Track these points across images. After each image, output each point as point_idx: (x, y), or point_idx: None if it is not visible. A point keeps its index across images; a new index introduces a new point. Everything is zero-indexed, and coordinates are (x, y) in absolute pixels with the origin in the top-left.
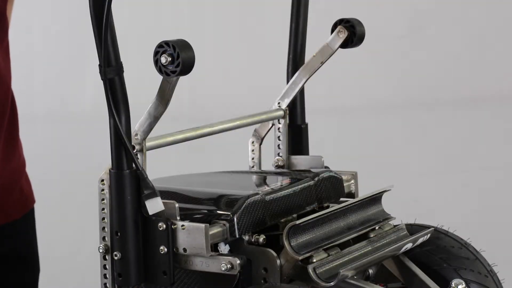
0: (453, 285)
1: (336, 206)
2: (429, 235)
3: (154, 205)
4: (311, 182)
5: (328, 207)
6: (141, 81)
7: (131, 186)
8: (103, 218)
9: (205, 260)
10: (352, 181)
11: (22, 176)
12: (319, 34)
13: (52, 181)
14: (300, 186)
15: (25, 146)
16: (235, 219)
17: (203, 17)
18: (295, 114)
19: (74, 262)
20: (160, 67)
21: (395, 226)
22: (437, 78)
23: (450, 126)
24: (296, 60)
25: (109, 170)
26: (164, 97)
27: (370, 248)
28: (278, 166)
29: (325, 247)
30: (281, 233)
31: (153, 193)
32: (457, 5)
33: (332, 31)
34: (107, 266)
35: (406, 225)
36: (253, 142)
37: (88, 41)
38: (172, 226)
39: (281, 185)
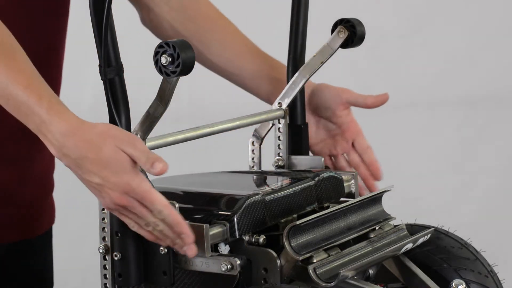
0: (453, 285)
1: (336, 207)
2: (429, 235)
3: None
4: (311, 182)
5: (328, 207)
6: (141, 81)
7: None
8: (103, 218)
9: (205, 261)
10: (352, 181)
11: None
12: (319, 34)
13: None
14: (300, 186)
15: None
16: (235, 219)
17: None
18: (295, 114)
19: (74, 262)
20: (160, 68)
21: (395, 226)
22: (437, 78)
23: (450, 126)
24: (296, 60)
25: None
26: (164, 97)
27: (370, 249)
28: (278, 166)
29: (325, 247)
30: (281, 233)
31: None
32: (457, 5)
33: (332, 31)
34: (107, 266)
35: (406, 225)
36: (253, 142)
37: (88, 41)
38: None
39: (281, 185)
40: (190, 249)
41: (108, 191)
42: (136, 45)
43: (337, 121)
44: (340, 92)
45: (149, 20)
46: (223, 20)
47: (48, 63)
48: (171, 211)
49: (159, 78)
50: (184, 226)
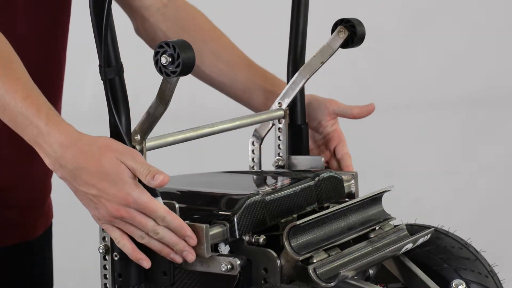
0: (453, 285)
1: (337, 207)
2: (429, 235)
3: None
4: (311, 182)
5: (328, 207)
6: (141, 81)
7: None
8: None
9: (205, 261)
10: (352, 181)
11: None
12: (319, 34)
13: (51, 181)
14: (300, 186)
15: None
16: (235, 219)
17: None
18: (295, 114)
19: (74, 262)
20: (160, 68)
21: (395, 226)
22: (437, 78)
23: (450, 126)
24: (296, 60)
25: None
26: (164, 97)
27: (370, 249)
28: (278, 166)
29: (325, 247)
30: (281, 233)
31: (154, 194)
32: (457, 5)
33: (333, 31)
34: (107, 267)
35: (406, 225)
36: (253, 142)
37: (88, 41)
38: None
39: (281, 185)
40: (190, 254)
41: (106, 202)
42: (136, 45)
43: (322, 131)
44: (328, 103)
45: (143, 29)
46: (217, 31)
47: (49, 70)
48: (174, 216)
49: (159, 78)
50: (188, 228)
